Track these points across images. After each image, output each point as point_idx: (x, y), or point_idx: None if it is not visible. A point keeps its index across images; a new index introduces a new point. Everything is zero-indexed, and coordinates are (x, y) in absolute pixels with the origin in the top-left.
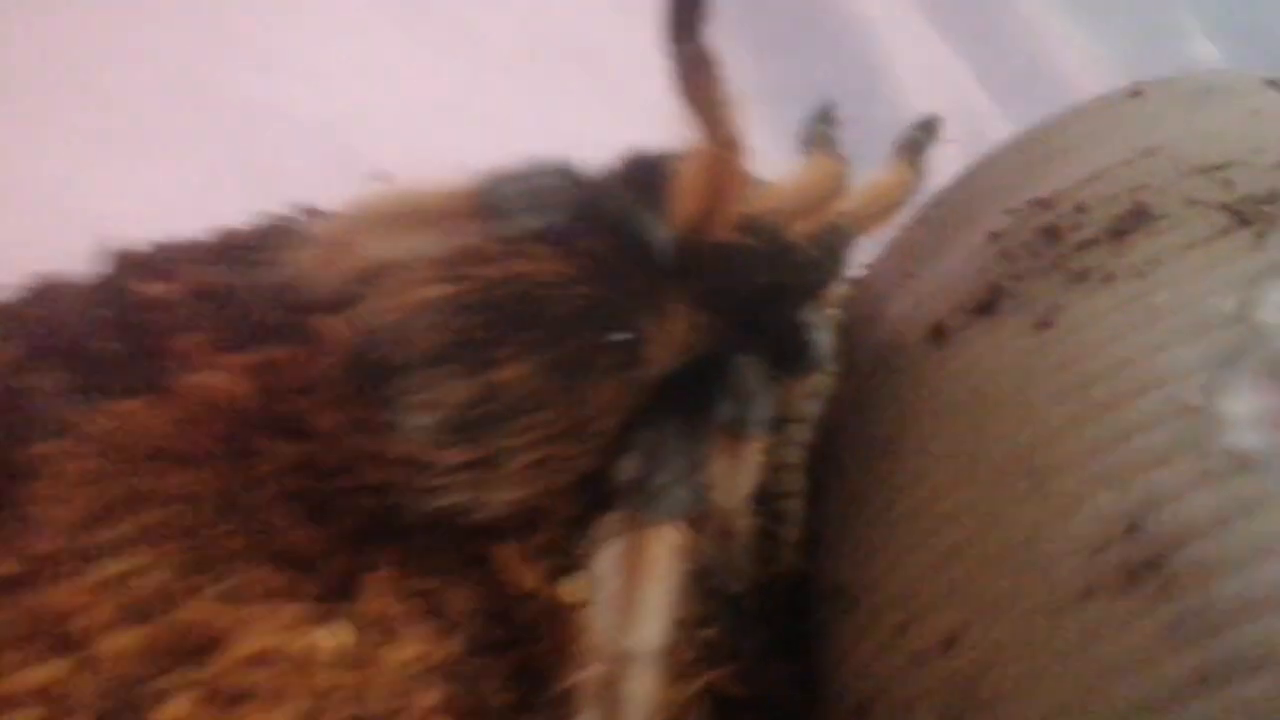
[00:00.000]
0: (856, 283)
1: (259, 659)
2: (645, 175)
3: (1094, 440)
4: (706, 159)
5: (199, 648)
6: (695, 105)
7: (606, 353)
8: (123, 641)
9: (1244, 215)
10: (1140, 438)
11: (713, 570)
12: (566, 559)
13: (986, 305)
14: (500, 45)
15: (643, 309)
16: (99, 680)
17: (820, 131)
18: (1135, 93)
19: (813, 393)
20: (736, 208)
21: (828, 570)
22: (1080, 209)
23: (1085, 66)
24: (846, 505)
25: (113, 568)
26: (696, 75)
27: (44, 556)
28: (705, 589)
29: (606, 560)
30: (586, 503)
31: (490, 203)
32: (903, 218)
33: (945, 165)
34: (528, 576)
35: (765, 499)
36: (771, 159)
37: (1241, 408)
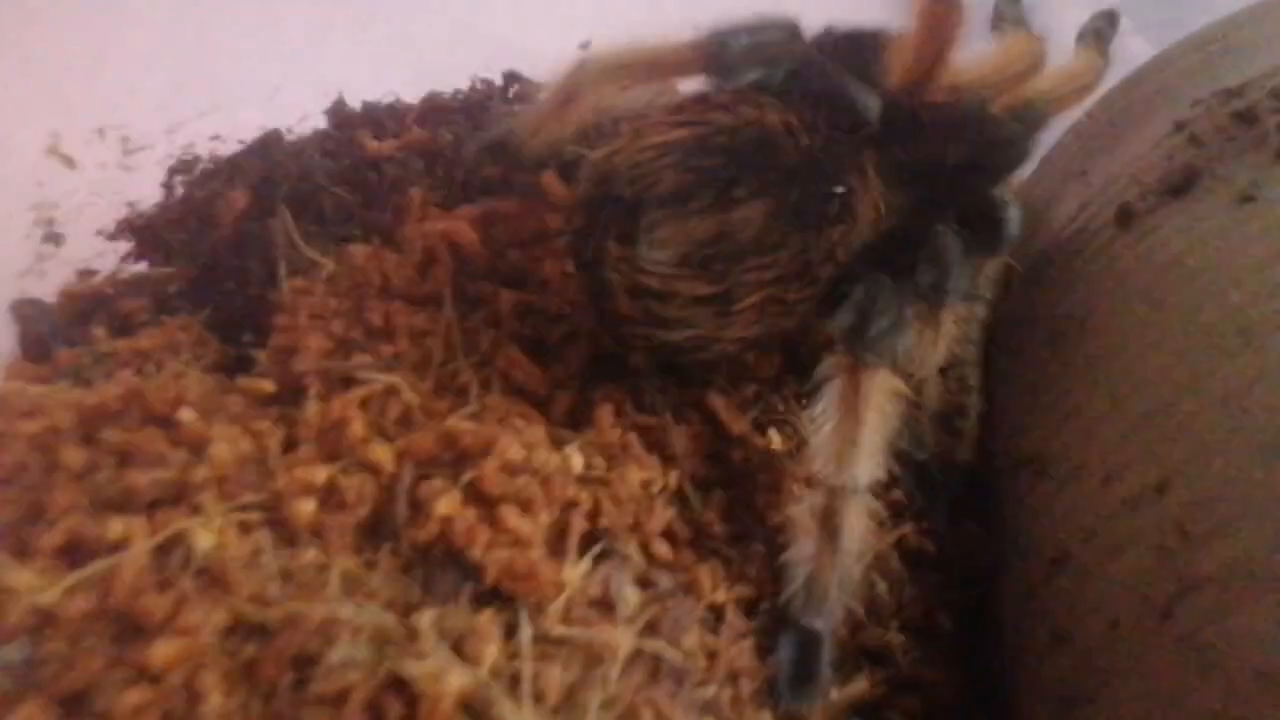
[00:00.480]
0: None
1: (515, 469)
2: (856, 46)
3: None
4: (930, 14)
5: (459, 456)
6: None
7: (830, 202)
8: (384, 451)
9: None
10: None
11: (901, 436)
12: (770, 413)
13: (1180, 186)
14: None
15: (851, 169)
16: (370, 480)
17: (1012, 11)
18: None
19: (989, 275)
20: (949, 72)
21: (1014, 442)
22: (1275, 94)
23: None
24: (1032, 382)
25: (363, 390)
26: None
27: (301, 375)
28: (894, 454)
29: (828, 397)
30: (785, 364)
31: (720, 53)
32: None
33: None
34: (738, 423)
35: (952, 370)
36: None
37: None
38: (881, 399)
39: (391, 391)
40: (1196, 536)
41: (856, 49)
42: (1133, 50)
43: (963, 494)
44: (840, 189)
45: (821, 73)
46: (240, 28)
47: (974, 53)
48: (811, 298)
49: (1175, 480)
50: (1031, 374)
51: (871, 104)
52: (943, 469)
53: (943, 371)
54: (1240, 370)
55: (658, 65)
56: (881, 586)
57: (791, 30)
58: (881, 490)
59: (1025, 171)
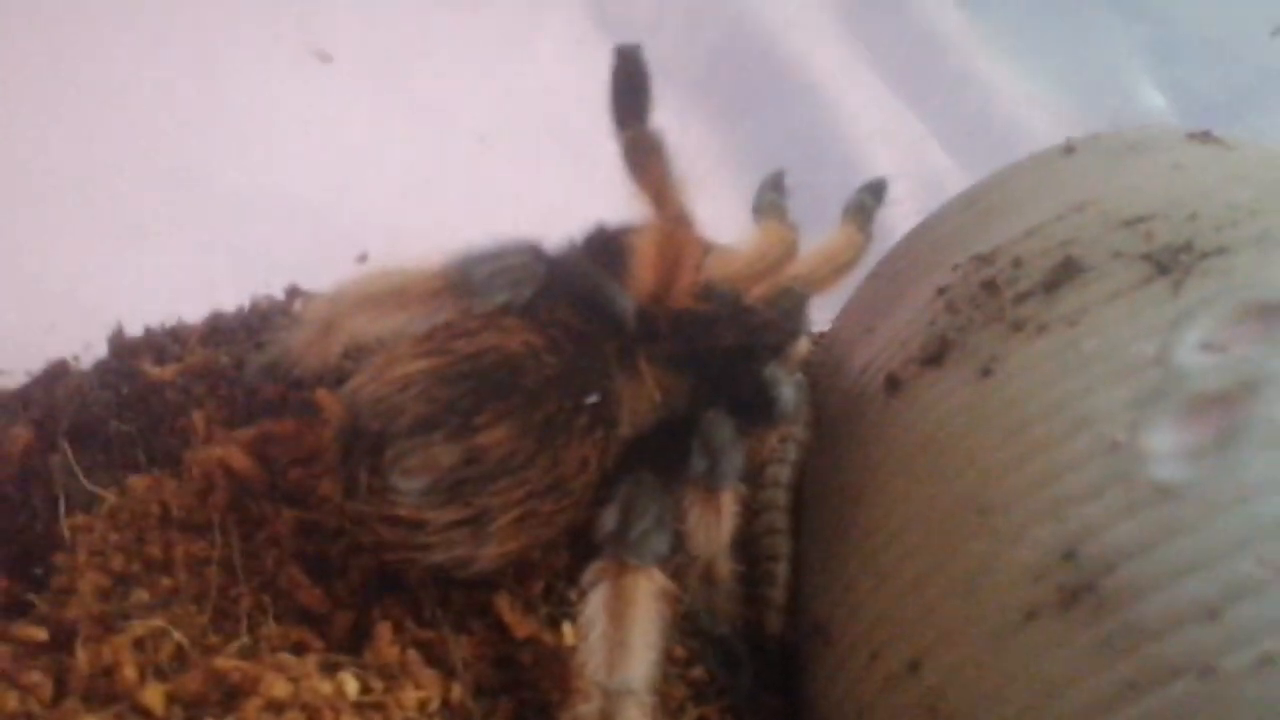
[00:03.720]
0: (824, 337)
1: (281, 705)
2: (609, 247)
3: (1032, 478)
4: (658, 234)
5: (227, 695)
6: (644, 184)
7: (580, 414)
8: (155, 694)
9: (1163, 265)
10: (1073, 474)
11: (699, 613)
12: (563, 606)
13: (935, 357)
14: (471, 124)
15: (613, 372)
16: None
17: (770, 199)
18: (1068, 149)
19: (793, 439)
20: (692, 276)
21: (808, 609)
22: (1017, 263)
23: (1039, 119)
24: (821, 547)
25: (140, 629)
26: (644, 157)
27: (74, 620)
28: (693, 631)
29: (593, 604)
30: (577, 554)
31: (463, 281)
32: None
33: (908, 223)
34: (526, 624)
35: (750, 543)
36: (734, 220)
37: (1163, 443)
38: (647, 599)
39: (163, 632)
40: (947, 717)
41: (613, 250)
42: (1149, 105)
43: (767, 666)
44: (593, 399)
45: (576, 283)
46: (10, 256)
47: (726, 247)
48: (571, 508)
49: (925, 661)
50: (822, 539)
51: (626, 307)
52: (747, 641)
53: (753, 540)
54: (977, 552)
55: (407, 295)
56: None
57: (534, 252)
58: (683, 668)
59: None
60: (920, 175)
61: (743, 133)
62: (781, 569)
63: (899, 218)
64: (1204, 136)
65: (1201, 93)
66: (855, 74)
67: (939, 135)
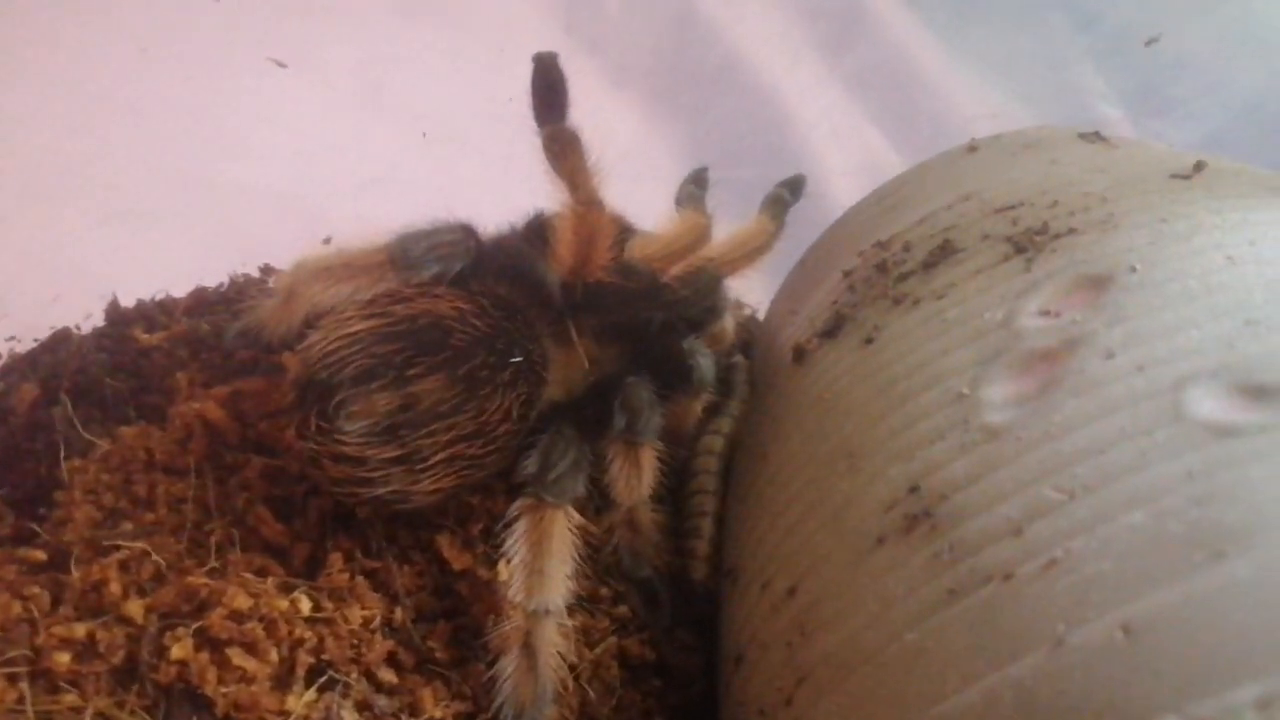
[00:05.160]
0: (760, 324)
1: (242, 615)
2: (541, 231)
3: (893, 426)
4: (574, 216)
5: (198, 608)
6: (562, 173)
7: (503, 370)
8: (136, 606)
9: (1020, 245)
10: (924, 421)
11: (623, 557)
12: (499, 546)
13: (832, 330)
14: (441, 121)
15: (541, 337)
16: (123, 632)
17: (690, 191)
18: (972, 148)
19: (728, 412)
20: (607, 253)
21: (724, 554)
22: (906, 247)
23: (990, 120)
24: (736, 501)
25: (125, 554)
26: (561, 149)
27: (69, 544)
28: (620, 574)
29: (515, 536)
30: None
31: (402, 255)
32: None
33: None
34: (463, 559)
35: (682, 501)
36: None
37: (997, 394)
38: (562, 533)
39: (145, 554)
40: (810, 632)
41: (543, 237)
42: (1107, 116)
43: (686, 606)
44: (516, 358)
45: (507, 259)
46: (22, 240)
47: (647, 232)
48: (496, 451)
49: (800, 586)
50: (737, 494)
51: (549, 280)
52: (669, 584)
53: (685, 499)
54: (844, 490)
55: (354, 266)
56: (592, 693)
57: (465, 230)
58: (609, 606)
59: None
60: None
61: (700, 130)
62: (706, 524)
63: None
64: (1093, 136)
65: (1152, 98)
66: (818, 89)
67: (895, 143)
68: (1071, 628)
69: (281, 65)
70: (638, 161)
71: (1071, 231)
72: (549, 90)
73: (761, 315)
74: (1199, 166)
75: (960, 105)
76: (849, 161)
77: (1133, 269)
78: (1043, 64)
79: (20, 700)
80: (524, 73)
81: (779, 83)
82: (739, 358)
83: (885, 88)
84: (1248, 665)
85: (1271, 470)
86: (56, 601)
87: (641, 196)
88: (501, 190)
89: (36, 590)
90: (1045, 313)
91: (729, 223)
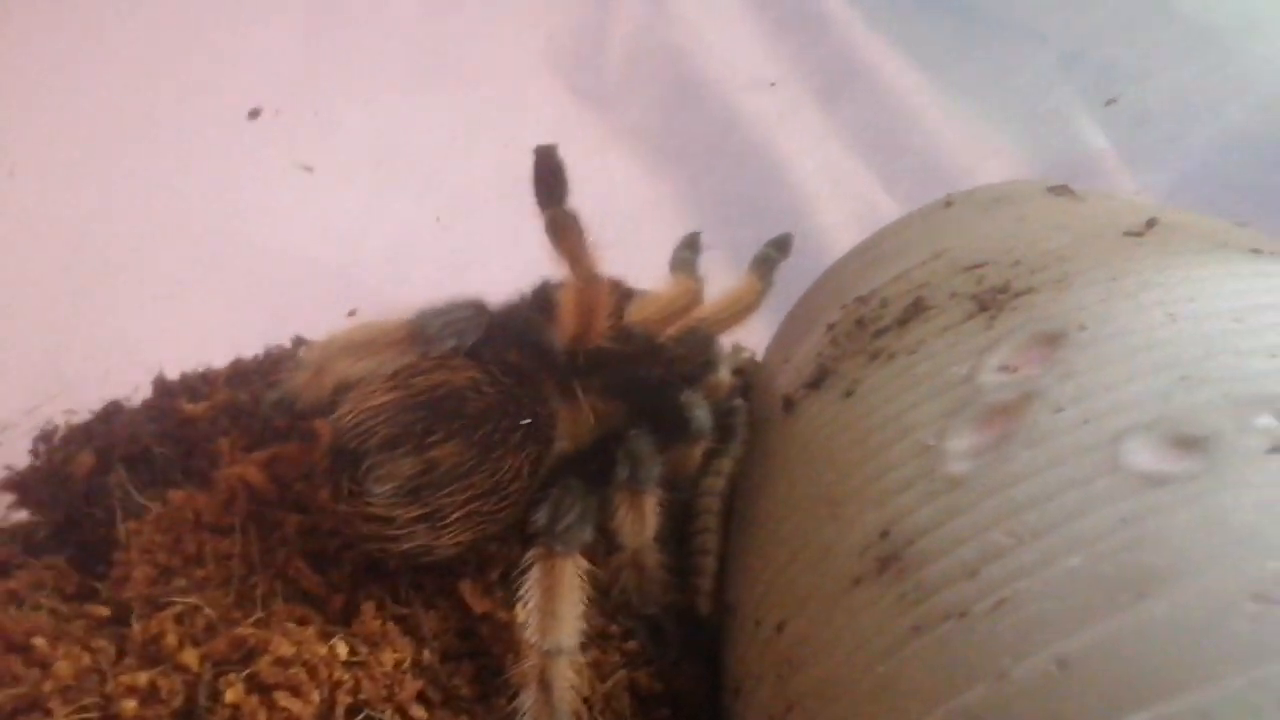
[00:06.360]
0: (759, 367)
1: (287, 661)
2: (548, 299)
3: (868, 475)
4: (575, 290)
5: (246, 655)
6: (563, 251)
7: (514, 433)
8: (192, 655)
9: (984, 303)
10: (895, 472)
11: (631, 596)
12: (516, 590)
13: (816, 381)
14: (469, 190)
15: (551, 399)
16: (181, 679)
17: (683, 256)
18: (947, 203)
19: (729, 455)
20: (605, 322)
21: (724, 592)
22: (883, 303)
23: (985, 161)
24: (734, 540)
25: (179, 607)
26: (562, 230)
27: (129, 600)
28: (630, 613)
29: (529, 583)
30: (528, 548)
31: (421, 331)
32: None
33: None
34: (483, 603)
35: (687, 540)
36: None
37: (959, 445)
38: (572, 579)
39: (197, 608)
40: (797, 665)
41: (549, 305)
42: (1092, 144)
43: (693, 640)
44: (526, 420)
45: (515, 329)
46: (75, 320)
47: (644, 293)
48: (510, 506)
49: (789, 622)
50: (736, 534)
51: (555, 346)
52: (675, 619)
53: (689, 538)
54: (826, 535)
55: (377, 343)
56: None
57: (477, 307)
58: (619, 641)
59: None
60: (868, 223)
61: (703, 188)
62: (709, 561)
63: None
64: (1060, 189)
65: (1141, 134)
66: (803, 124)
67: (887, 185)
68: (1015, 661)
69: (308, 169)
70: (639, 216)
71: (1030, 290)
72: (549, 177)
73: (760, 356)
74: (1151, 223)
75: (954, 146)
76: (845, 210)
77: (1083, 327)
78: (1034, 99)
79: None
80: (531, 131)
81: (775, 137)
82: (739, 401)
83: (880, 133)
84: (1146, 696)
85: (1194, 515)
86: (121, 653)
87: (643, 241)
88: (511, 255)
89: (103, 643)
90: (1004, 368)
91: (726, 278)
